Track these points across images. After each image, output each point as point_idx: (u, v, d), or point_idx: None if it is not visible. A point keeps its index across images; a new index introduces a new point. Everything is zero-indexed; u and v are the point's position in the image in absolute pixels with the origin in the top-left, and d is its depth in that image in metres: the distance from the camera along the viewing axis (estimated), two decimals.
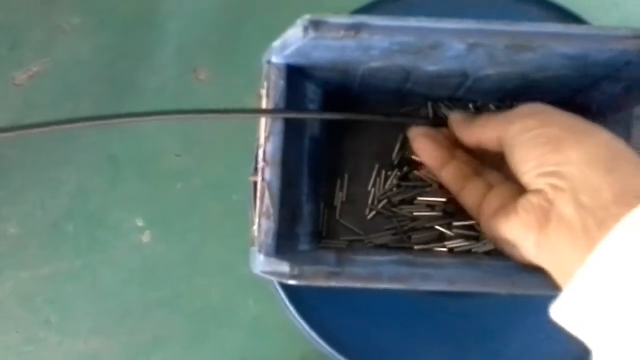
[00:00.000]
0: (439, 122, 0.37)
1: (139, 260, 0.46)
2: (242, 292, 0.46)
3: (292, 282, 0.29)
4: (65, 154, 0.47)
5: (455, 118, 0.35)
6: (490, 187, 0.34)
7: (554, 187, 0.27)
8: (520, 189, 0.32)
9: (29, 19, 0.48)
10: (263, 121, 0.31)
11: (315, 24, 0.29)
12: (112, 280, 0.46)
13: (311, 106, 0.37)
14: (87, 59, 0.48)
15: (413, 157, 0.40)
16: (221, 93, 0.48)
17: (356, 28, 0.29)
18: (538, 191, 0.28)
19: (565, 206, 0.27)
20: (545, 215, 0.27)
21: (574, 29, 0.29)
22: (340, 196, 0.40)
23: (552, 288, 0.29)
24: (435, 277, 0.30)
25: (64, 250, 0.46)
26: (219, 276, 0.46)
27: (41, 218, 0.47)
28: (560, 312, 0.27)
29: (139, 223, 0.47)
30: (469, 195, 0.35)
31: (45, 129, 0.29)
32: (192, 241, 0.46)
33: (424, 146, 0.36)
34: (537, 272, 0.29)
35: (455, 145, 0.36)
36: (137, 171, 0.47)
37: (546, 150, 0.28)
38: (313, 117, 0.37)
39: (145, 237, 0.46)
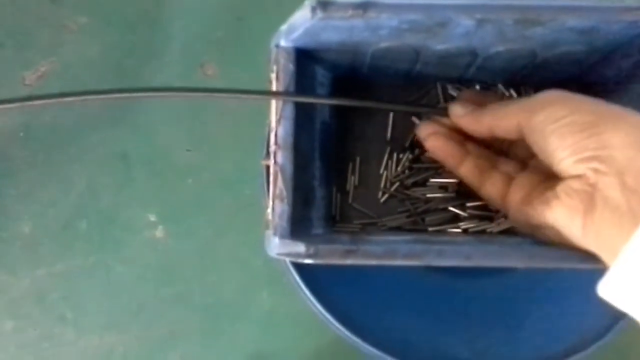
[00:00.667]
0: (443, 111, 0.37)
1: (152, 255, 0.46)
2: (255, 286, 0.46)
3: (308, 261, 0.29)
4: (75, 153, 0.47)
5: (456, 112, 0.35)
6: (509, 178, 0.35)
7: (595, 171, 0.28)
8: (542, 176, 0.33)
9: (36, 19, 0.48)
10: (274, 105, 0.32)
11: (323, 5, 0.29)
12: (126, 276, 0.46)
13: (320, 90, 0.37)
14: (95, 58, 0.49)
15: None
16: (230, 87, 0.48)
17: (364, 7, 0.29)
18: (578, 176, 0.28)
19: (610, 189, 0.27)
20: (590, 199, 0.28)
21: (583, 1, 0.29)
22: (352, 180, 0.40)
23: (572, 261, 0.29)
24: (451, 252, 0.30)
25: (77, 248, 0.46)
26: (231, 270, 0.46)
27: (54, 217, 0.47)
28: (607, 289, 0.28)
29: (152, 218, 0.47)
30: (491, 189, 0.35)
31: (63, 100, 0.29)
32: (204, 236, 0.46)
33: (437, 144, 0.36)
34: (580, 253, 0.29)
35: (464, 136, 0.36)
36: (148, 167, 0.47)
37: (582, 136, 0.28)
38: (321, 101, 0.36)
39: (159, 233, 0.47)
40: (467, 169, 0.36)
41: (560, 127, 0.29)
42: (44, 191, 0.47)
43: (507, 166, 0.36)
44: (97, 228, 0.47)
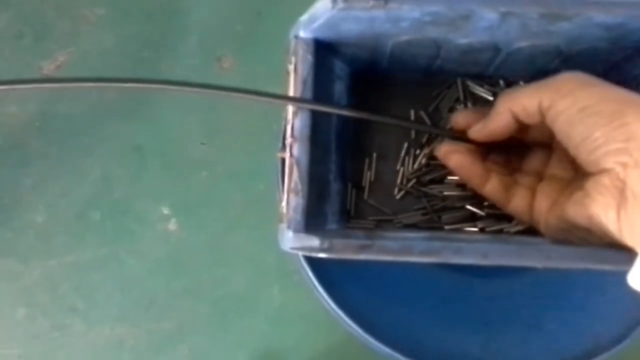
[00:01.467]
0: (459, 137, 0.36)
1: (164, 248, 0.46)
2: (266, 281, 0.46)
3: (322, 255, 0.29)
4: (89, 144, 0.47)
5: (475, 129, 0.34)
6: (532, 190, 0.34)
7: (623, 165, 0.27)
8: (563, 182, 0.33)
9: (54, 9, 0.49)
10: (291, 95, 0.31)
11: None
12: (137, 269, 0.46)
13: (338, 84, 0.36)
14: (112, 49, 0.49)
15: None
16: (246, 82, 0.48)
17: None
18: (607, 171, 0.28)
19: (637, 183, 0.27)
20: (621, 194, 0.27)
21: None
22: (368, 176, 0.39)
23: (591, 261, 0.28)
24: (468, 250, 0.29)
25: (90, 239, 0.46)
26: (243, 265, 0.46)
27: (67, 207, 0.47)
28: (637, 278, 0.27)
29: (165, 211, 0.46)
30: (519, 203, 0.35)
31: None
32: (217, 230, 0.46)
33: (460, 163, 0.35)
34: (620, 250, 0.29)
35: (483, 152, 0.36)
36: (162, 160, 0.47)
37: (610, 128, 0.28)
38: (333, 111, 0.33)
39: (172, 226, 0.46)
40: (492, 187, 0.35)
41: (587, 117, 0.28)
42: (58, 181, 0.47)
43: (526, 179, 0.35)
44: (110, 219, 0.47)
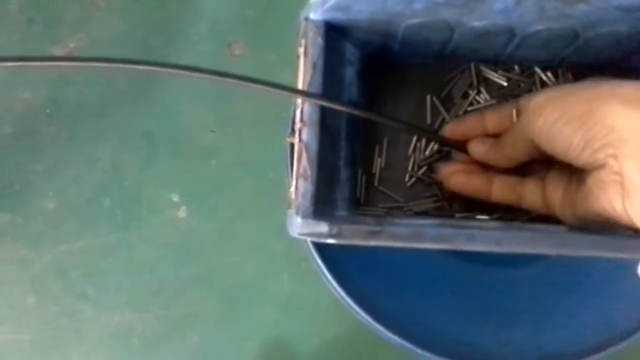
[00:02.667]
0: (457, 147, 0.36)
1: (174, 235, 0.46)
2: (275, 269, 0.45)
3: (330, 241, 0.28)
4: (100, 130, 0.47)
5: (478, 150, 0.35)
6: (542, 180, 0.34)
7: (614, 157, 0.27)
8: (570, 168, 0.32)
9: None
10: (301, 80, 0.31)
11: None
12: (147, 255, 0.46)
13: (349, 68, 0.36)
14: (122, 36, 0.48)
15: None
16: (256, 69, 0.47)
17: None
18: (601, 166, 0.28)
19: (635, 172, 0.27)
20: (622, 186, 0.27)
21: None
22: (379, 162, 0.39)
23: (607, 249, 0.27)
24: (481, 237, 0.28)
25: (100, 225, 0.46)
26: (252, 253, 0.46)
27: (77, 193, 0.47)
28: None
29: (175, 199, 0.46)
30: (531, 198, 0.34)
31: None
32: (226, 217, 0.46)
33: (461, 182, 0.36)
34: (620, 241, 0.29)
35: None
36: (172, 147, 0.47)
37: (586, 129, 0.28)
38: (341, 109, 0.33)
39: (182, 213, 0.46)
40: (498, 193, 0.35)
41: (561, 128, 0.29)
42: (69, 167, 0.47)
43: (535, 170, 0.35)
44: (120, 206, 0.46)
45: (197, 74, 0.30)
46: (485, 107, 0.38)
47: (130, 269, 0.46)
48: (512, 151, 0.33)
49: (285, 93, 0.30)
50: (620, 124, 0.27)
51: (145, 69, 0.30)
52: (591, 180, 0.29)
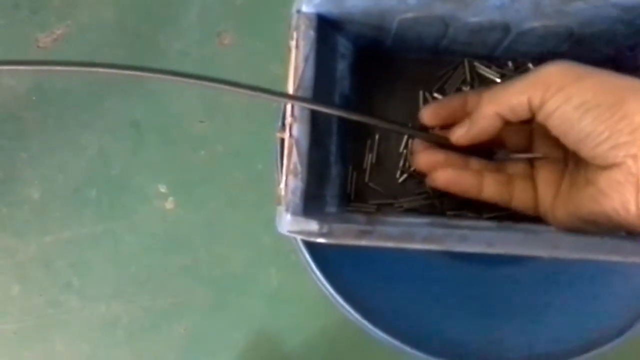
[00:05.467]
0: (440, 142, 0.35)
1: (161, 226, 0.45)
2: (263, 262, 0.45)
3: (320, 240, 0.28)
4: (87, 118, 0.46)
5: (459, 134, 0.33)
6: (530, 179, 0.33)
7: (634, 157, 0.26)
8: (560, 164, 0.32)
9: None
10: (291, 74, 0.30)
11: None
12: (133, 246, 0.45)
13: (341, 62, 0.35)
14: (110, 22, 0.47)
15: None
16: (246, 58, 0.47)
17: None
18: (617, 165, 0.27)
19: None
20: (637, 189, 0.27)
21: None
22: (370, 158, 0.38)
23: (600, 252, 0.27)
24: (472, 238, 0.28)
25: (86, 215, 0.46)
26: (240, 245, 0.45)
27: (63, 182, 0.46)
28: None
29: (162, 189, 0.46)
30: (521, 198, 0.34)
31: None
32: (214, 209, 0.45)
33: (449, 179, 0.34)
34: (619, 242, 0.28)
35: (463, 153, 0.34)
36: (160, 137, 0.46)
37: (613, 121, 0.27)
38: (333, 113, 0.32)
39: (169, 204, 0.46)
40: (489, 192, 0.34)
41: (586, 113, 0.27)
42: (55, 156, 0.46)
43: (519, 168, 0.34)
44: (106, 196, 0.46)
45: (187, 80, 0.29)
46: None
47: (116, 259, 0.45)
48: (498, 106, 0.30)
49: (275, 98, 0.30)
50: None
51: (133, 74, 0.29)
52: (604, 180, 0.28)
